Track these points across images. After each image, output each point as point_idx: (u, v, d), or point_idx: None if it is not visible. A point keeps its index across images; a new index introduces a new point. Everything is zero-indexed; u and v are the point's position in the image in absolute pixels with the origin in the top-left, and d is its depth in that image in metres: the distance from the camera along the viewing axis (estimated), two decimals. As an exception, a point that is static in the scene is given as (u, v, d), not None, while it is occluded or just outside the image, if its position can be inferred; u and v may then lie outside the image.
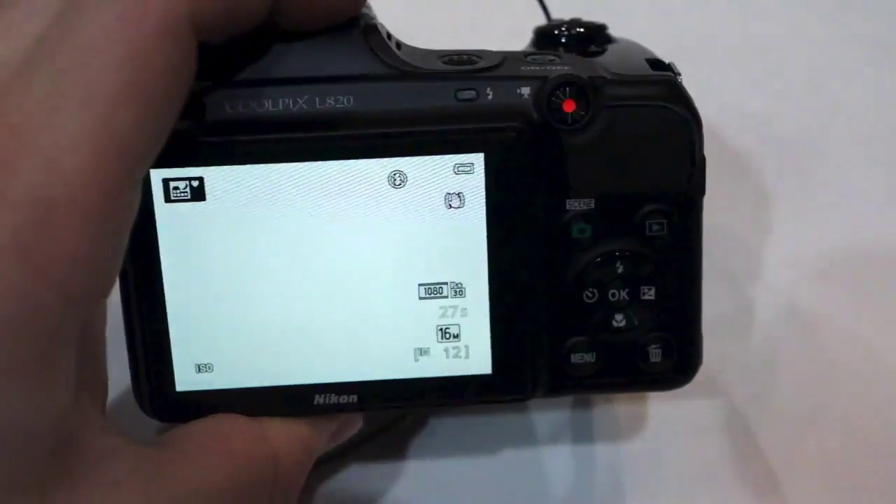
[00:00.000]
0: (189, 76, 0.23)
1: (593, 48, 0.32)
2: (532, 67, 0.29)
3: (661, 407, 0.38)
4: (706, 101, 0.30)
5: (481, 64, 0.29)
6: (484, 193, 0.29)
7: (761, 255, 0.42)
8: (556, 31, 0.33)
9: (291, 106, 0.28)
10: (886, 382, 0.39)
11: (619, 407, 0.38)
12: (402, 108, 0.28)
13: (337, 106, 0.28)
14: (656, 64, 0.30)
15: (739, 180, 0.43)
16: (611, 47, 0.32)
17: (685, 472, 0.37)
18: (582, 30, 0.33)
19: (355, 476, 0.36)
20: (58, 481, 0.23)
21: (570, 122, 0.28)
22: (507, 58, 0.29)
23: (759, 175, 0.44)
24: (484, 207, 0.29)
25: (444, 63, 0.29)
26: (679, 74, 0.29)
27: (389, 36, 0.29)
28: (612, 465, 0.37)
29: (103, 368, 0.27)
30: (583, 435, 0.38)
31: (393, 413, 0.36)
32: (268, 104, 0.27)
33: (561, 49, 0.33)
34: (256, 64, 0.28)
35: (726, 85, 0.46)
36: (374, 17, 0.29)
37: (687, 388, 0.32)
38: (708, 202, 0.30)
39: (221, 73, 0.28)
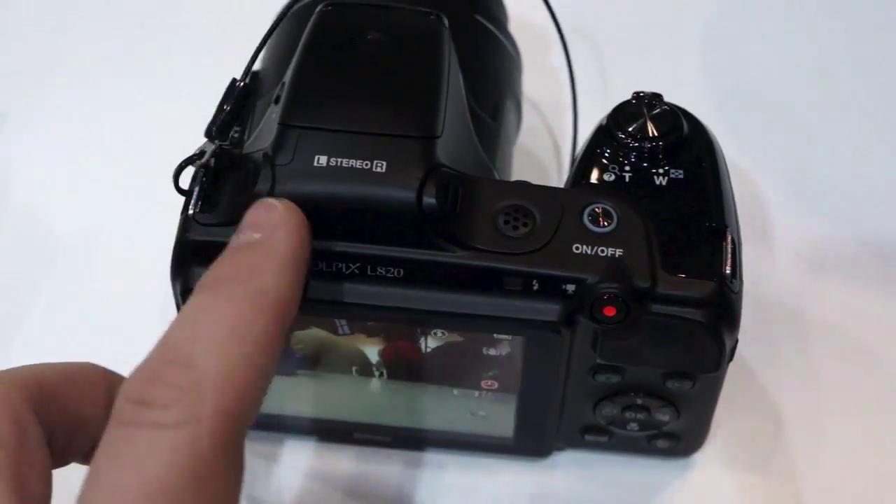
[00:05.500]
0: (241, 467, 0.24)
1: (659, 172, 0.31)
2: (584, 249, 0.28)
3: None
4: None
5: (534, 235, 0.29)
6: (521, 357, 0.30)
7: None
8: (630, 129, 0.31)
9: (344, 270, 0.29)
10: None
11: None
12: (449, 291, 0.29)
13: (387, 276, 0.28)
14: (717, 233, 0.30)
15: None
16: (677, 180, 0.31)
17: None
18: (656, 142, 0.31)
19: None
20: None
21: (608, 322, 0.29)
22: (562, 219, 0.29)
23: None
24: (520, 367, 0.31)
25: (502, 224, 0.29)
26: (737, 275, 0.29)
27: (446, 189, 0.29)
28: None
29: None
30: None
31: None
32: (321, 265, 0.29)
33: (628, 160, 0.31)
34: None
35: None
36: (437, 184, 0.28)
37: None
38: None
39: None
